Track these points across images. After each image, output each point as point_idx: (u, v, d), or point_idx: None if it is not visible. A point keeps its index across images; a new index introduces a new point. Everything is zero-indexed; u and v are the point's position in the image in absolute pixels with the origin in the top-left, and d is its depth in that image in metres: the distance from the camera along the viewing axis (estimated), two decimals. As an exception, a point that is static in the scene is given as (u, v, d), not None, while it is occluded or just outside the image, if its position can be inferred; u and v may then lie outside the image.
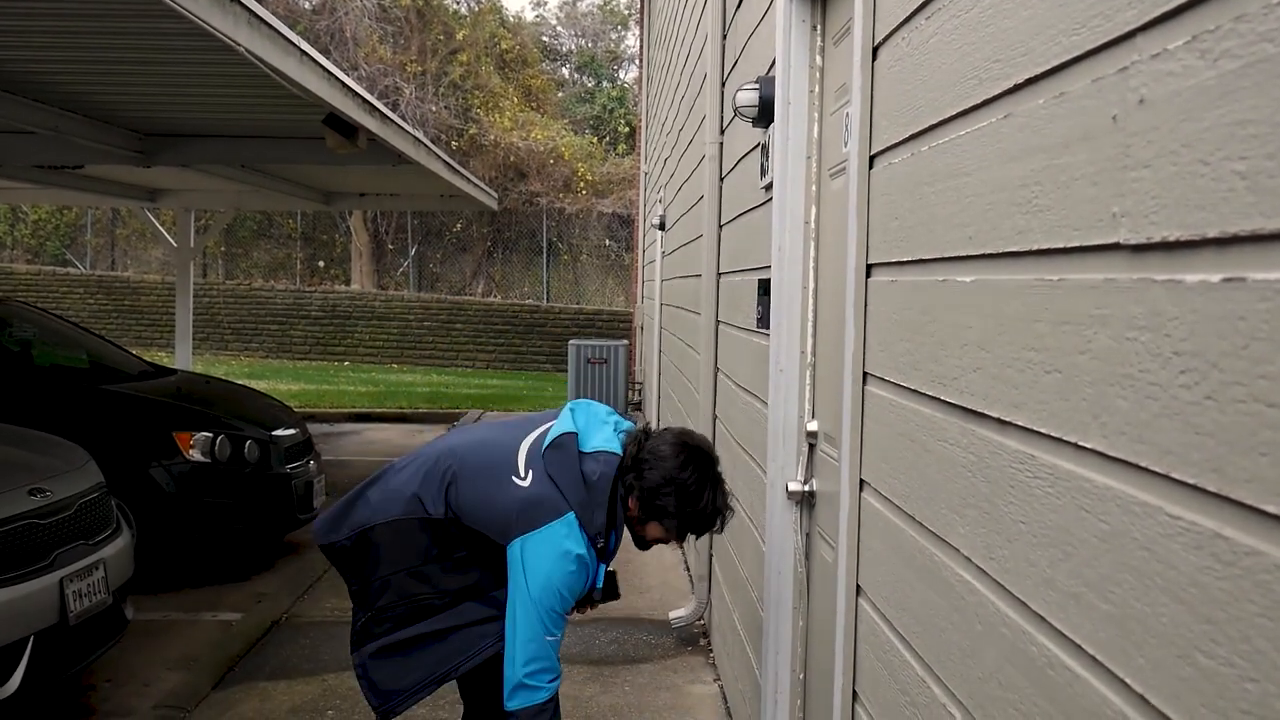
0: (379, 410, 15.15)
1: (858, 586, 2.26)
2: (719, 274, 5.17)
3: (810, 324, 3.18)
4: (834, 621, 2.59)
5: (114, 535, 4.73)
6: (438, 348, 22.35)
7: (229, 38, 4.55)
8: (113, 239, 27.23)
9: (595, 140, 29.09)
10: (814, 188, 3.17)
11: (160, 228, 14.04)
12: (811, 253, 3.17)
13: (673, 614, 5.44)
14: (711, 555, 5.24)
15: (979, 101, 1.59)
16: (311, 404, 15.40)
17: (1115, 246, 1.16)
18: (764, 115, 3.50)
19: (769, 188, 3.56)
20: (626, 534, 3.09)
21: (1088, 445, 1.21)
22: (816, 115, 3.17)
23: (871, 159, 2.22)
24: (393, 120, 7.42)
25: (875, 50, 2.22)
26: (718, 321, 5.19)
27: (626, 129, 29.67)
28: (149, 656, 5.20)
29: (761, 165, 3.65)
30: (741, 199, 4.32)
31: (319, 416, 14.61)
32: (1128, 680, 1.10)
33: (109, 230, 27.13)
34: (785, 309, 3.23)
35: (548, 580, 2.80)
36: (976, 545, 1.56)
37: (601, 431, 3.01)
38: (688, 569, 6.54)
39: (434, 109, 24.33)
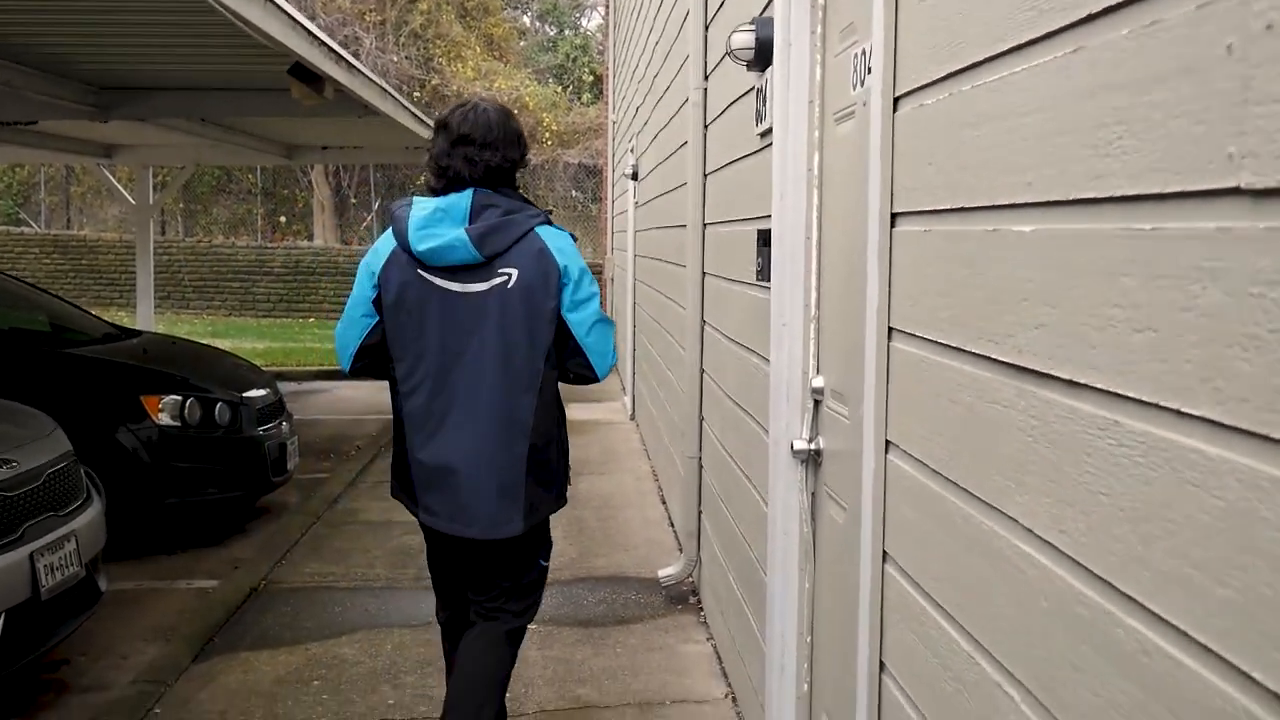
0: (348, 367, 14.91)
1: (884, 552, 2.15)
2: (704, 224, 5.02)
3: (814, 276, 3.05)
4: (850, 585, 2.49)
5: (84, 505, 4.57)
6: (404, 303, 22.06)
7: (190, -18, 4.33)
8: (68, 197, 26.67)
9: (559, 90, 28.72)
10: (817, 133, 3.02)
11: (117, 185, 13.72)
12: (815, 201, 3.04)
13: (661, 572, 5.35)
14: (700, 512, 5.14)
15: (1039, 35, 1.45)
16: (278, 362, 15.16)
17: (1234, 191, 1.03)
18: (761, 58, 3.35)
19: (766, 134, 3.42)
20: None
21: (1195, 412, 1.09)
22: (819, 57, 3.02)
23: (896, 100, 2.09)
24: (360, 70, 7.19)
25: (899, -16, 2.07)
26: (704, 274, 5.06)
27: (591, 78, 29.30)
28: (125, 628, 5.06)
29: (757, 111, 3.51)
30: (732, 146, 4.17)
31: (287, 375, 14.35)
32: (1255, 675, 0.99)
33: (64, 188, 26.57)
34: (788, 261, 3.10)
35: None
36: (1040, 516, 1.45)
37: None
38: (672, 525, 6.45)
39: (395, 59, 23.87)
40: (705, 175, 4.99)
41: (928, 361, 1.90)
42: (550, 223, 3.23)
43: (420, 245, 3.06)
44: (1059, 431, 1.40)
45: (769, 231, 3.26)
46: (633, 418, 10.38)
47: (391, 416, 3.26)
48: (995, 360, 1.60)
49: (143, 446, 6.30)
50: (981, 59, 1.65)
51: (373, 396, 13.04)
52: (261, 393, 7.11)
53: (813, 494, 3.08)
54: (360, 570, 5.78)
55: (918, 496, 1.96)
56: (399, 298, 3.11)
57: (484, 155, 3.13)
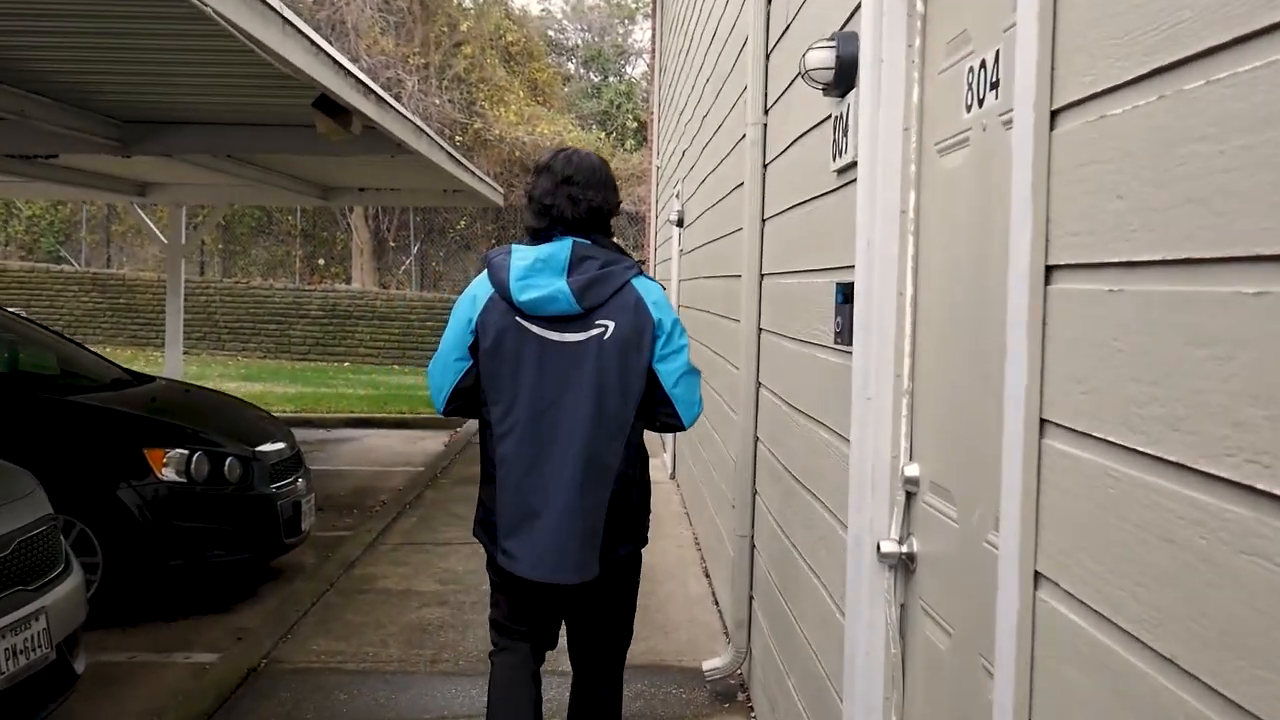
0: (379, 415, 14.49)
1: (1030, 724, 1.59)
2: (761, 275, 4.50)
3: (909, 340, 2.51)
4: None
5: (61, 577, 4.06)
6: (440, 348, 21.65)
7: (195, -2, 3.89)
8: (108, 235, 26.61)
9: (603, 135, 28.46)
10: (913, 168, 2.50)
11: (150, 224, 13.43)
12: (910, 250, 2.50)
13: (706, 664, 4.76)
14: (751, 597, 4.56)
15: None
16: (308, 408, 14.75)
17: None
18: (841, 80, 2.84)
19: (846, 170, 2.89)
20: None
21: None
22: (917, 76, 2.50)
23: (1055, 115, 1.55)
24: (391, 105, 6.75)
25: (1059, -40, 1.55)
26: (760, 329, 4.52)
27: (635, 124, 29.05)
28: (105, 711, 4.54)
29: (835, 143, 2.98)
30: (798, 187, 3.65)
31: (315, 421, 13.96)
32: None
33: (105, 227, 26.52)
34: (875, 321, 2.56)
35: None
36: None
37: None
38: (717, 604, 5.87)
39: (437, 102, 23.66)
40: (763, 220, 4.47)
41: (1112, 475, 1.35)
42: (643, 273, 3.28)
43: (521, 295, 3.11)
44: None
45: (851, 285, 2.73)
46: (673, 477, 9.82)
47: (478, 460, 3.33)
48: (1261, 492, 1.05)
49: (144, 504, 5.82)
50: (1228, 39, 1.11)
51: (403, 446, 12.58)
52: (277, 446, 6.63)
53: (902, 605, 2.52)
54: (372, 649, 5.23)
55: (1093, 661, 1.39)
56: (496, 344, 3.15)
57: (588, 195, 3.23)
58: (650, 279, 3.30)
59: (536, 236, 3.25)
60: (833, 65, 2.82)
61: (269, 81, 6.09)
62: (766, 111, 4.44)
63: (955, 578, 2.19)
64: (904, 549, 2.46)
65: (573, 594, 3.26)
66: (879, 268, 2.55)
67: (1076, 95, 1.47)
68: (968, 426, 2.13)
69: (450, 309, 3.31)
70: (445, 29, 24.96)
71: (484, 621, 5.61)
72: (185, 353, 20.46)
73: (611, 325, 3.13)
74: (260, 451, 6.40)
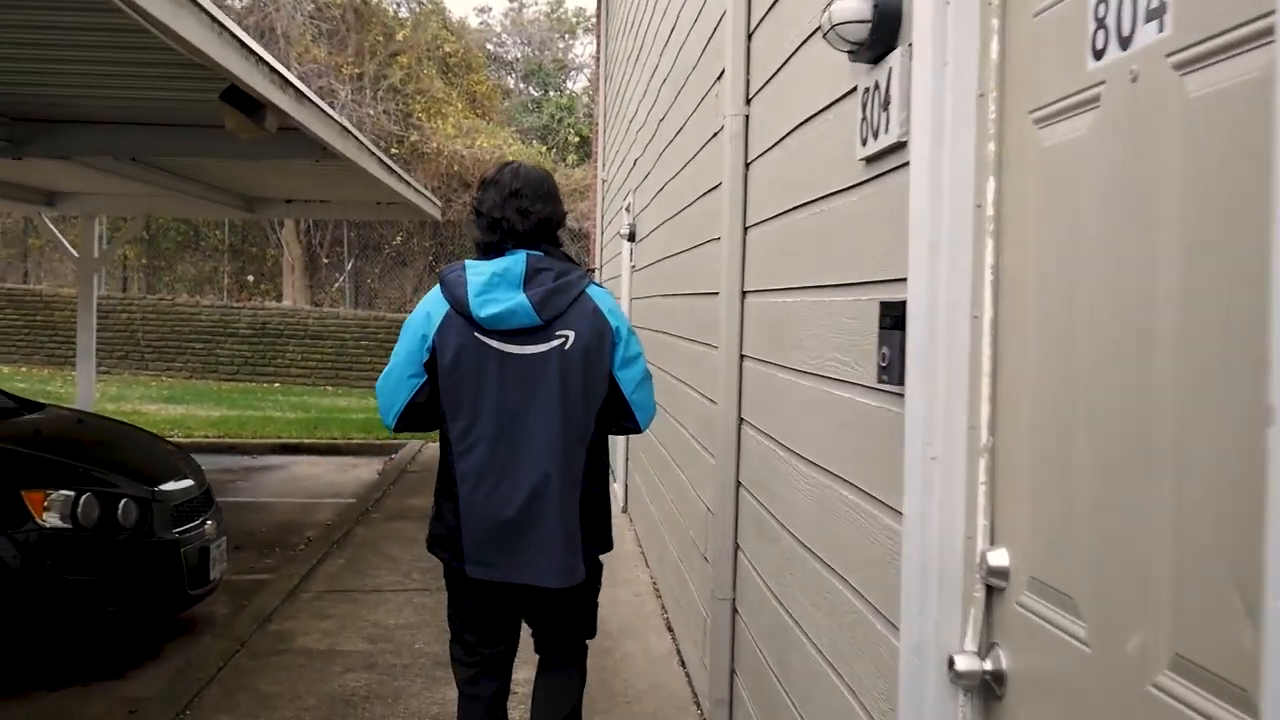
0: (309, 440, 13.63)
1: None
2: (743, 292, 3.84)
3: (987, 380, 1.85)
4: None
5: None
6: (375, 369, 20.78)
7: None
8: (25, 249, 25.39)
9: (544, 150, 27.78)
10: (991, 146, 1.85)
11: (60, 235, 12.48)
12: (988, 258, 1.85)
13: (679, 749, 4.08)
14: (734, 672, 3.89)
15: None
16: (233, 432, 13.87)
17: None
18: (880, 37, 2.18)
19: (883, 155, 2.24)
20: None
21: None
22: (996, 23, 1.86)
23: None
24: (312, 100, 6.02)
25: None
26: (741, 356, 3.86)
27: (576, 139, 28.41)
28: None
29: (866, 121, 2.32)
30: (800, 184, 2.99)
31: (240, 447, 13.09)
32: None
33: (21, 240, 25.29)
34: (942, 353, 1.90)
35: None
36: None
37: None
38: (684, 665, 5.17)
39: (372, 113, 22.81)
40: (745, 228, 3.82)
41: None
42: (594, 281, 3.27)
43: (482, 311, 3.09)
44: None
45: (901, 305, 2.06)
46: (625, 510, 9.11)
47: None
48: None
49: (22, 555, 5.01)
50: None
51: (334, 475, 11.76)
52: (182, 484, 5.85)
53: (979, 738, 1.86)
54: (284, 729, 4.47)
55: None
56: (455, 360, 3.13)
57: (537, 207, 3.22)
58: (601, 287, 3.31)
59: (487, 251, 3.22)
60: (869, 17, 2.17)
61: (172, 71, 5.37)
62: (748, 101, 3.79)
63: (1077, 714, 1.53)
64: (987, 665, 1.80)
65: (548, 598, 3.26)
66: (946, 281, 1.89)
67: None
68: (1110, 513, 1.48)
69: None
70: (380, 38, 24.13)
71: (417, 692, 4.88)
72: (106, 373, 19.45)
73: (572, 335, 3.14)
74: (161, 491, 5.61)
